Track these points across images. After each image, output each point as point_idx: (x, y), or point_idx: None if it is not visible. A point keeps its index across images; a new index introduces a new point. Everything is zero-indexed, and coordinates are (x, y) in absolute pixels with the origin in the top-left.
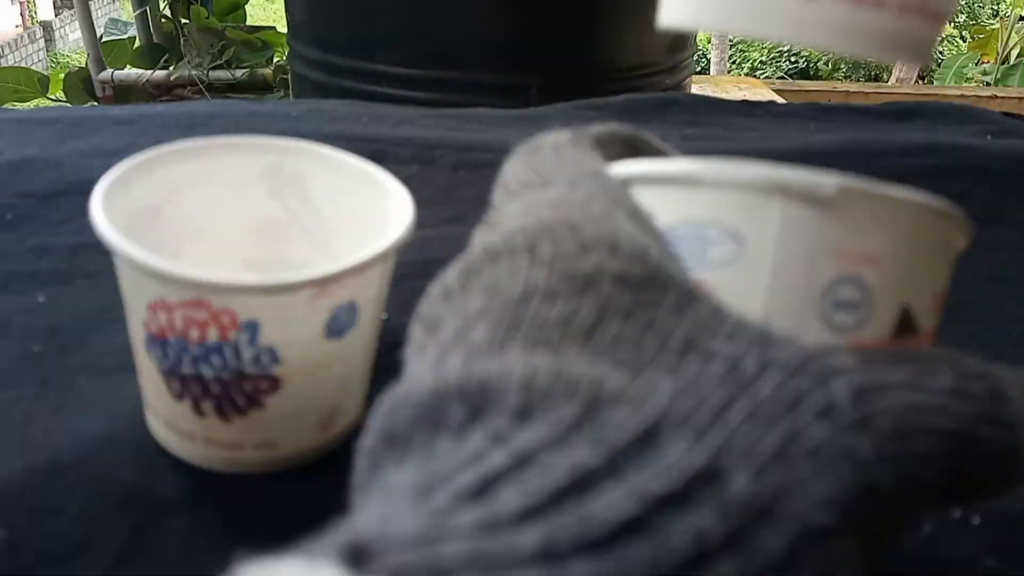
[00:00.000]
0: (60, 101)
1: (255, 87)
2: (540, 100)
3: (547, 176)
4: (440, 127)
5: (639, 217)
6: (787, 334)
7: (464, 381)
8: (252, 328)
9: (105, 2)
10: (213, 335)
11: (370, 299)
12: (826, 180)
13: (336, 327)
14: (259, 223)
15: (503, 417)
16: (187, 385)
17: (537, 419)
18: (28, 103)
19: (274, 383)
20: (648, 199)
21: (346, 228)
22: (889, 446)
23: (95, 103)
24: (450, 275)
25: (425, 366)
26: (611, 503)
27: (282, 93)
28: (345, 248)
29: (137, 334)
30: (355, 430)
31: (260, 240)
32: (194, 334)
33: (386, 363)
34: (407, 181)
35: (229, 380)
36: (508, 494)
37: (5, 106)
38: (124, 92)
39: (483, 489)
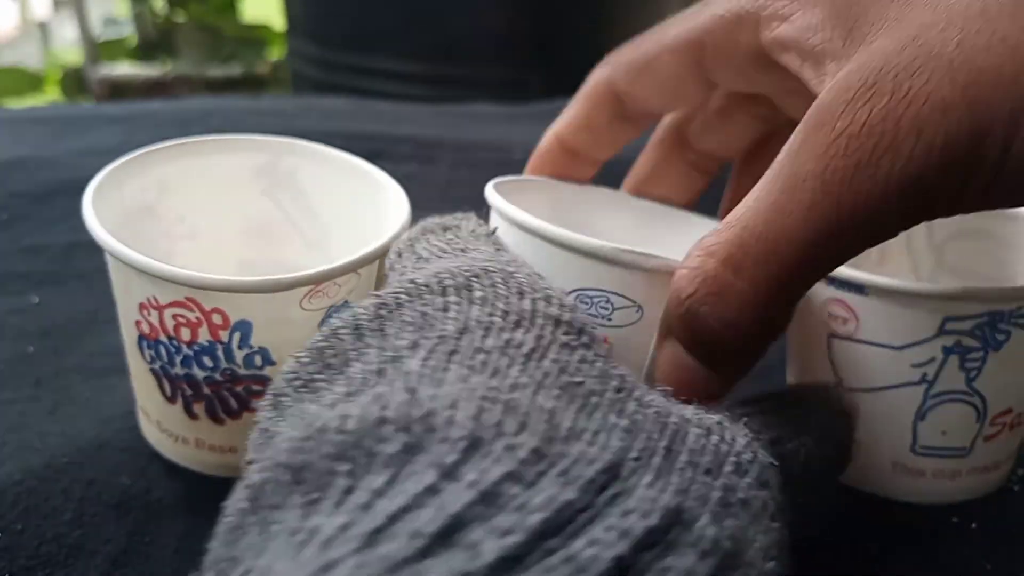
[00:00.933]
0: (55, 99)
1: (251, 84)
2: (540, 96)
3: (466, 247)
4: (439, 124)
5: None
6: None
7: (405, 409)
8: (244, 328)
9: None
10: (204, 335)
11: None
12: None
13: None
14: (253, 222)
15: (448, 448)
16: (179, 387)
17: (490, 452)
18: (23, 101)
19: (267, 385)
20: (562, 260)
21: (341, 226)
22: (795, 488)
23: (91, 101)
24: (358, 312)
25: (334, 402)
26: (596, 541)
27: (279, 90)
28: (340, 247)
29: (129, 334)
30: None
31: (254, 240)
32: (185, 334)
33: None
34: (405, 179)
35: (221, 381)
36: (482, 536)
37: (0, 105)
38: (119, 90)
39: (451, 530)
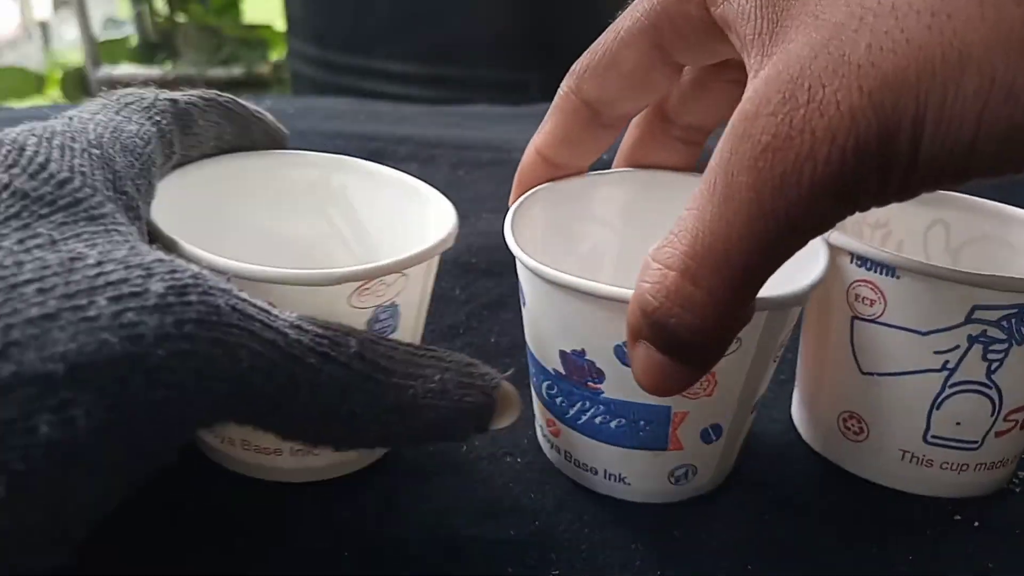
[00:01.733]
0: (57, 100)
1: (252, 85)
2: (541, 97)
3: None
4: (439, 124)
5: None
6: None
7: None
8: None
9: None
10: None
11: (412, 303)
12: None
13: (377, 329)
14: (303, 235)
15: None
16: None
17: None
18: (24, 102)
19: None
20: None
21: (390, 242)
22: (191, 329)
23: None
24: None
25: None
26: None
27: (279, 90)
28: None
29: None
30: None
31: (303, 252)
32: None
33: None
34: None
35: None
36: None
37: (1, 105)
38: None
39: None
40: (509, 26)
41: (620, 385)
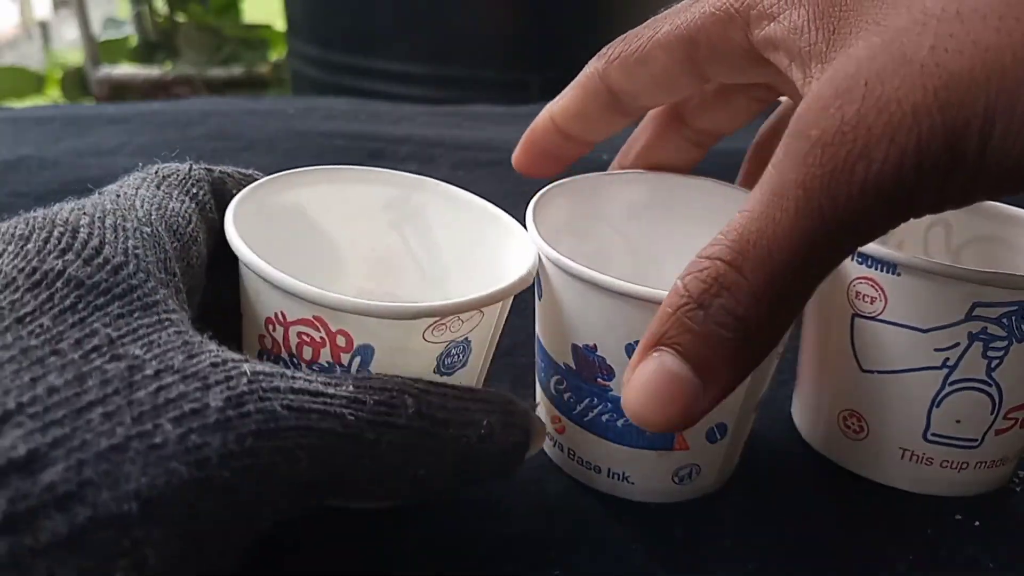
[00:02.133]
0: (56, 100)
1: (252, 84)
2: (541, 97)
3: (135, 190)
4: (439, 125)
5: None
6: (232, 353)
7: None
8: (365, 353)
9: (102, 0)
10: (325, 356)
11: (484, 337)
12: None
13: (448, 363)
14: (376, 253)
15: None
16: None
17: None
18: (24, 101)
19: None
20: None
21: (462, 266)
22: (253, 443)
23: (92, 101)
24: None
25: None
26: None
27: (279, 90)
28: (458, 285)
29: (250, 348)
30: None
31: (375, 270)
32: (307, 353)
33: None
34: None
35: None
36: None
37: (1, 105)
38: (120, 90)
39: None
40: (509, 26)
41: None
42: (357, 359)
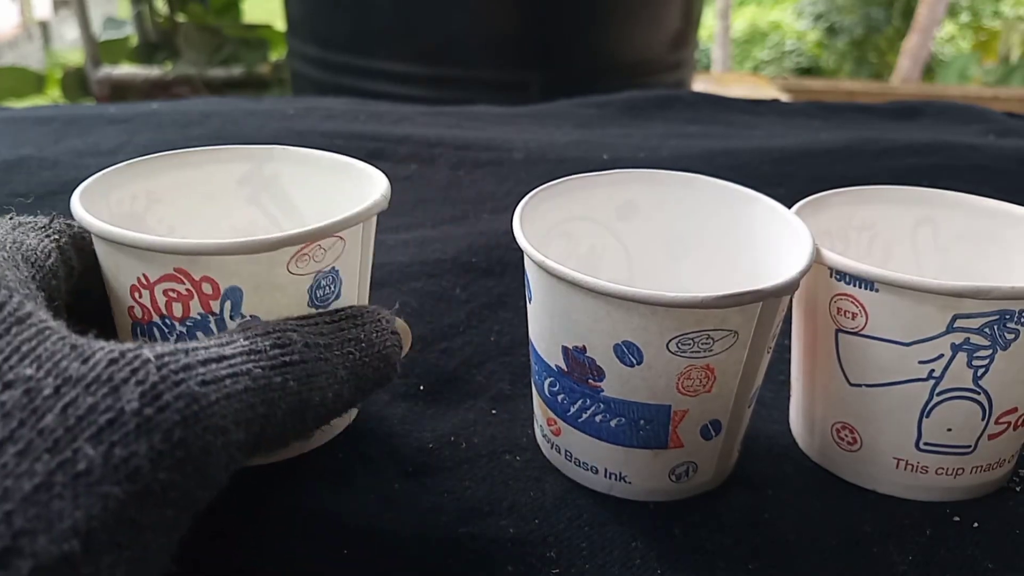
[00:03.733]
0: (57, 100)
1: (252, 84)
2: (541, 97)
3: None
4: (439, 125)
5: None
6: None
7: None
8: (234, 296)
9: (102, 0)
10: (196, 308)
11: (352, 268)
12: None
13: (320, 296)
14: (240, 230)
15: None
16: None
17: None
18: (24, 101)
19: None
20: (660, 314)
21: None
22: (181, 434)
23: (92, 101)
24: None
25: None
26: None
27: (280, 90)
28: None
29: (123, 327)
30: (350, 422)
31: None
32: (177, 310)
33: None
34: (405, 179)
35: None
36: None
37: (1, 105)
38: (121, 90)
39: None
40: (509, 26)
41: (620, 384)
42: (227, 303)
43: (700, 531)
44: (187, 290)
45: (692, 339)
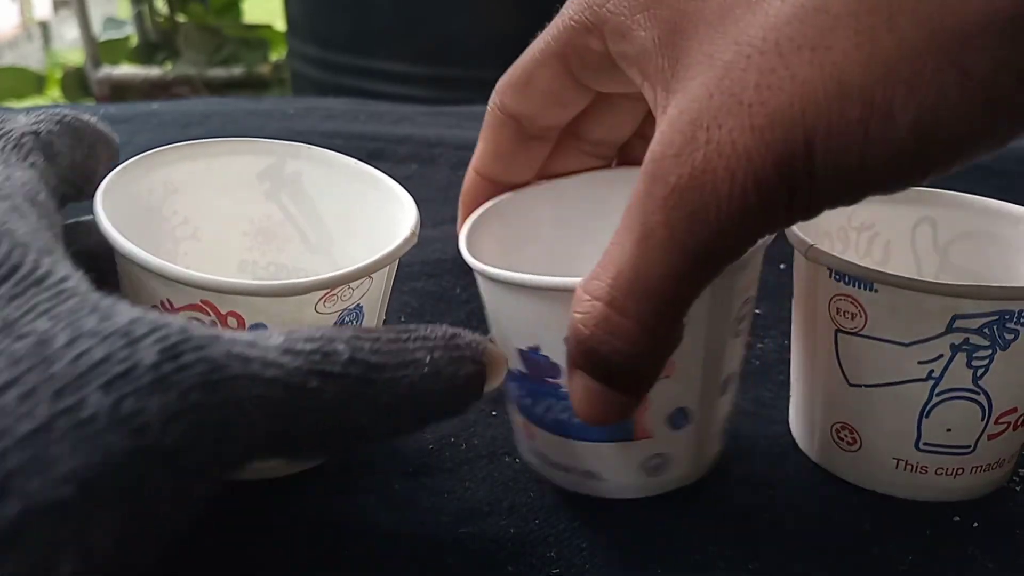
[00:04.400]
0: (57, 100)
1: (252, 85)
2: None
3: None
4: (439, 125)
5: (29, 214)
6: (144, 309)
7: None
8: (260, 331)
9: (102, 1)
10: None
11: (375, 302)
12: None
13: None
14: (256, 224)
15: None
16: None
17: None
18: (24, 102)
19: None
20: None
21: (344, 230)
22: (198, 397)
23: (92, 102)
24: None
25: None
26: None
27: (280, 91)
28: (342, 250)
29: None
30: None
31: (256, 242)
32: None
33: None
34: (405, 179)
35: None
36: None
37: (2, 105)
38: (121, 90)
39: None
40: (509, 26)
41: None
42: None
43: (700, 531)
44: (212, 322)
45: None
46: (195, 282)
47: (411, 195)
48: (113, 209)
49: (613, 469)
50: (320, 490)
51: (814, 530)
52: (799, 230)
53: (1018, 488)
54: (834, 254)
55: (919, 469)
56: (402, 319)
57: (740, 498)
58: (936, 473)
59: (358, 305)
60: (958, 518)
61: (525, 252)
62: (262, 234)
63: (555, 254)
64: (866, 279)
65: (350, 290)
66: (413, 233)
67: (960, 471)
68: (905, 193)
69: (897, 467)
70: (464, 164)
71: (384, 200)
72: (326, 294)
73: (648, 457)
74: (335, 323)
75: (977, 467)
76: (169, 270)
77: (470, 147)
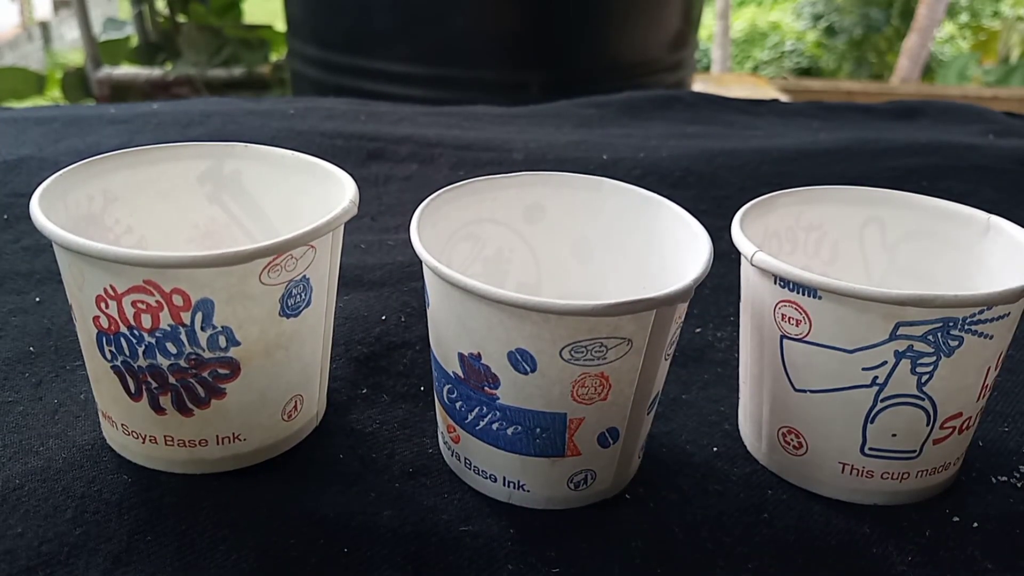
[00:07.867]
0: (57, 100)
1: (253, 85)
2: (541, 97)
3: None
4: (439, 125)
5: None
6: None
7: None
8: (205, 307)
9: (102, 1)
10: (166, 319)
11: (322, 276)
12: None
13: (292, 304)
14: (201, 229)
15: None
16: (143, 380)
17: None
18: (24, 102)
19: (233, 368)
20: (553, 322)
21: (290, 221)
22: None
23: (92, 102)
24: None
25: None
26: None
27: (280, 91)
28: None
29: (87, 334)
30: (318, 424)
31: (203, 246)
32: (146, 321)
33: (384, 364)
34: (405, 179)
35: (187, 368)
36: None
37: (2, 105)
38: (121, 91)
39: None
40: (509, 26)
41: (515, 392)
42: (199, 315)
43: (700, 531)
44: (157, 302)
45: (585, 347)
46: (136, 259)
47: (410, 194)
48: (51, 215)
49: (540, 482)
50: (321, 490)
51: (813, 530)
52: (745, 233)
53: (1019, 486)
54: (781, 258)
55: (865, 473)
56: (402, 319)
57: (740, 498)
58: (882, 477)
59: (304, 276)
60: (958, 518)
61: (463, 250)
62: (208, 238)
63: (494, 254)
64: (810, 286)
65: (293, 260)
66: (352, 203)
67: (906, 475)
68: (854, 193)
69: (843, 471)
70: (464, 164)
71: (325, 187)
72: (269, 262)
73: (575, 472)
74: (281, 295)
75: (923, 471)
76: (110, 252)
77: (470, 147)
